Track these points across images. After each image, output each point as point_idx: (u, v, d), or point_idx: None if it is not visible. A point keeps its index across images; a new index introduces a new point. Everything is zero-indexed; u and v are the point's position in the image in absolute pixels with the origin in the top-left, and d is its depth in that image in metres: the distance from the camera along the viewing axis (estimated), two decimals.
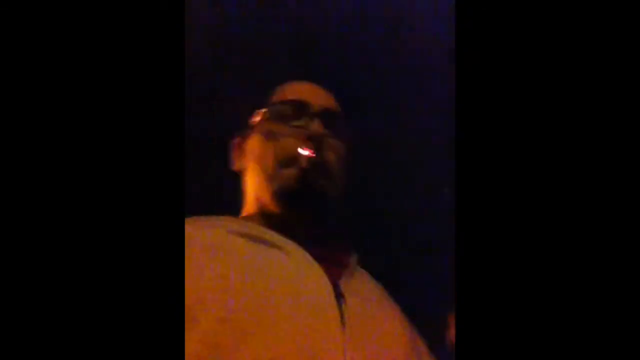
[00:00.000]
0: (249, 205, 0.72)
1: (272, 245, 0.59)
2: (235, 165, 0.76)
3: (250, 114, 0.74)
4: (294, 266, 0.57)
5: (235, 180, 0.79)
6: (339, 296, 0.55)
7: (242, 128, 0.76)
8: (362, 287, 0.62)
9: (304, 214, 0.67)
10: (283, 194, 0.66)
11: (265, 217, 0.68)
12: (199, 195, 0.79)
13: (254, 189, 0.71)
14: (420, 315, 0.65)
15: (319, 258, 0.59)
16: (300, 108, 0.70)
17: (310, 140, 0.66)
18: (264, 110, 0.72)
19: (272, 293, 0.52)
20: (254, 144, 0.72)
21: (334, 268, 0.60)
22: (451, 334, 0.61)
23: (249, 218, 0.70)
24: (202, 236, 0.58)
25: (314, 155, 0.65)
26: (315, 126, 0.68)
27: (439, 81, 0.81)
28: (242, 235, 0.60)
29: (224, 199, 0.80)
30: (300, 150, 0.65)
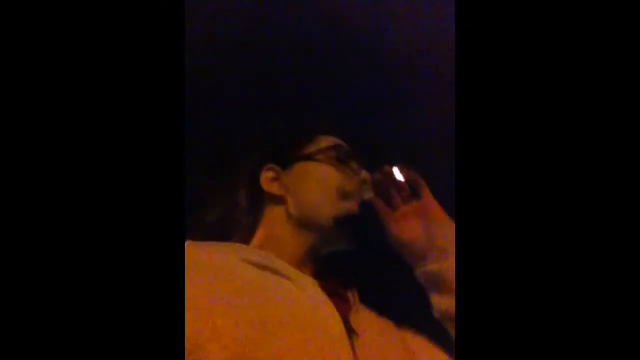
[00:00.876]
0: (276, 225, 0.74)
1: (284, 276, 0.61)
2: (270, 187, 0.76)
3: (288, 145, 0.78)
4: (306, 299, 0.58)
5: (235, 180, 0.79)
6: (350, 331, 0.56)
7: (273, 156, 0.78)
8: (370, 321, 0.64)
9: (349, 241, 0.72)
10: (343, 219, 0.71)
11: (299, 237, 0.71)
12: (198, 196, 0.79)
13: (299, 211, 0.73)
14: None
15: (328, 292, 0.61)
16: (348, 154, 0.77)
17: (369, 184, 0.73)
18: (328, 146, 0.77)
19: (285, 326, 0.52)
20: (317, 170, 0.75)
21: (342, 302, 0.62)
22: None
23: (272, 239, 0.72)
24: (215, 262, 0.59)
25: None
26: (366, 175, 0.75)
27: (439, 81, 0.81)
28: (255, 264, 0.61)
29: (224, 199, 0.80)
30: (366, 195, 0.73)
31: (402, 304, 0.72)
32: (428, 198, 0.70)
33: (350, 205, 0.72)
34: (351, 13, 0.87)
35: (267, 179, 0.76)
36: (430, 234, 0.67)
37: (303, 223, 0.72)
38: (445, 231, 0.67)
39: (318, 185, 0.74)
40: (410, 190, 0.73)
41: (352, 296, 0.68)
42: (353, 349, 0.54)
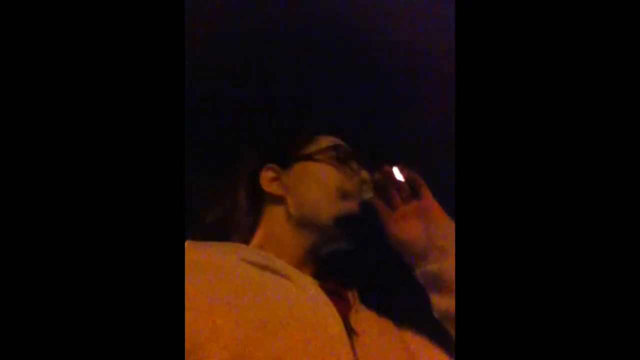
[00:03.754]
0: (275, 226, 0.74)
1: (284, 276, 0.61)
2: (270, 188, 0.77)
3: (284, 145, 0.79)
4: (306, 299, 0.58)
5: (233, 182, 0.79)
6: (350, 331, 0.56)
7: (272, 155, 0.79)
8: (370, 321, 0.64)
9: (348, 240, 0.72)
10: (344, 219, 0.71)
11: (298, 238, 0.71)
12: (198, 196, 0.79)
13: (299, 212, 0.73)
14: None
15: (327, 292, 0.61)
16: (348, 154, 0.77)
17: (369, 184, 0.73)
18: (328, 146, 0.77)
19: (284, 326, 0.52)
20: (317, 170, 0.75)
21: (341, 302, 0.62)
22: None
23: (271, 240, 0.72)
24: (214, 262, 0.59)
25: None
26: (366, 174, 0.75)
27: (439, 81, 0.81)
28: (254, 264, 0.62)
29: (224, 198, 0.80)
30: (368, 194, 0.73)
31: (402, 304, 0.72)
32: (428, 198, 0.70)
33: (350, 205, 0.72)
34: (351, 13, 0.87)
35: (267, 178, 0.76)
36: (430, 233, 0.67)
37: (303, 223, 0.72)
38: (445, 231, 0.66)
39: (318, 185, 0.74)
40: (410, 190, 0.73)
41: (352, 296, 0.68)
42: (353, 348, 0.54)
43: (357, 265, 0.76)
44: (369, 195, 0.73)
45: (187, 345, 0.46)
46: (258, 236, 0.74)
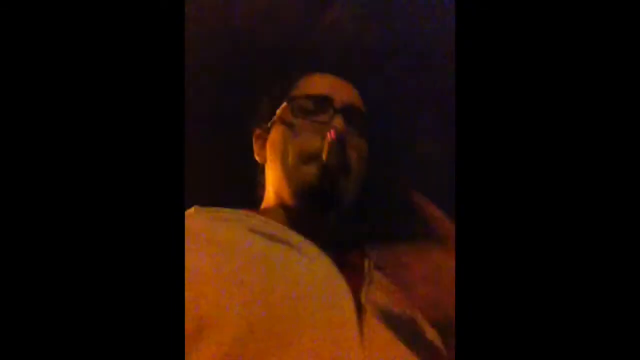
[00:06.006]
0: (270, 198, 0.71)
1: (294, 247, 0.57)
2: (258, 157, 0.75)
3: (271, 105, 0.74)
4: (317, 273, 0.55)
5: (236, 177, 0.79)
6: (360, 309, 0.53)
7: (262, 119, 0.75)
8: (382, 297, 0.60)
9: (321, 212, 0.67)
10: (303, 191, 0.65)
11: (284, 211, 0.67)
12: (198, 196, 0.79)
13: (274, 182, 0.69)
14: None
15: (338, 263, 0.58)
16: (323, 103, 0.69)
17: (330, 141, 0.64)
18: (286, 103, 0.71)
19: (295, 304, 0.50)
20: (275, 138, 0.70)
21: (353, 275, 0.58)
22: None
23: (268, 212, 0.69)
24: (222, 233, 0.56)
25: (335, 138, 0.63)
26: (338, 122, 0.65)
27: (439, 81, 0.81)
28: (264, 234, 0.58)
29: (224, 199, 0.80)
30: (328, 135, 0.63)
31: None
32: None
33: (310, 171, 0.64)
34: (351, 14, 0.87)
35: (257, 146, 0.75)
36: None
37: (280, 194, 0.68)
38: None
39: (278, 155, 0.68)
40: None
41: (368, 264, 0.63)
42: (361, 329, 0.51)
43: (367, 227, 0.71)
44: (331, 156, 0.62)
45: (189, 326, 0.44)
46: (266, 200, 0.71)
